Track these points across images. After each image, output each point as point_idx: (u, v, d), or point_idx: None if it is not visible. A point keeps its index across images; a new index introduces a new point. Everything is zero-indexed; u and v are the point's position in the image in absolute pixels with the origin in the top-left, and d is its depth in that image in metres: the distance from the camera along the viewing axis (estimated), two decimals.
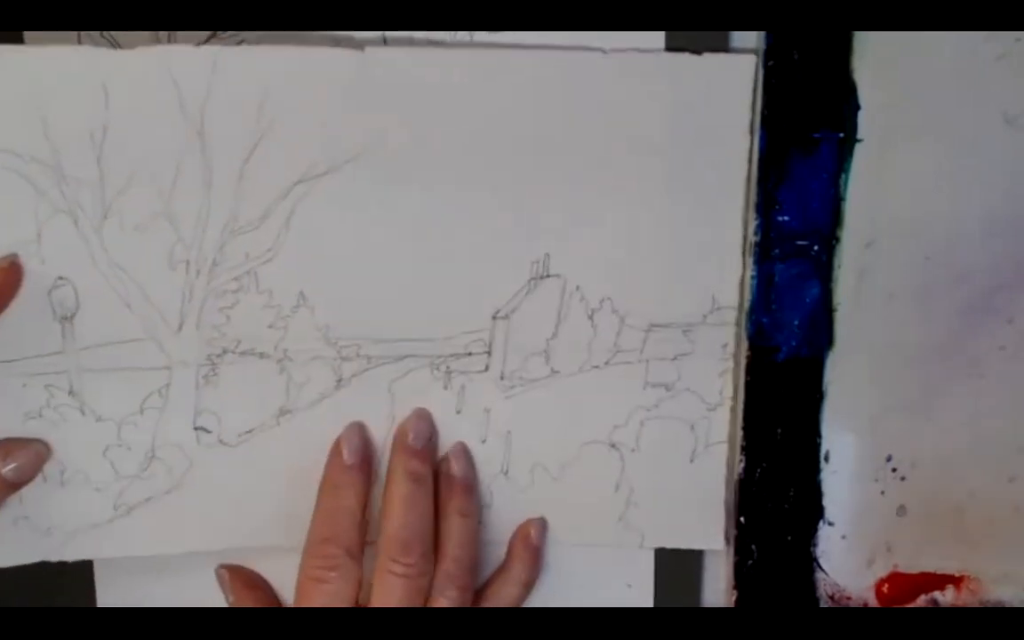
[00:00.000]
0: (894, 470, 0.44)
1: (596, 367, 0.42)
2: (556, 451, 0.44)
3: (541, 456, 0.44)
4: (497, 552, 0.44)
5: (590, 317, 0.42)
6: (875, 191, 0.41)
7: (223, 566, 0.44)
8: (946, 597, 0.46)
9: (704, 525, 0.44)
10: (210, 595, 0.44)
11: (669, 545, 0.45)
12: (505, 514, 0.44)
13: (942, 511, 0.45)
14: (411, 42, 0.40)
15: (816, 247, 0.42)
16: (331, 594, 0.40)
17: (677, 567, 0.45)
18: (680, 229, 0.41)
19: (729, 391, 0.43)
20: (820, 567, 0.45)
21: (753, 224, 0.41)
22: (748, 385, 0.43)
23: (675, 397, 0.43)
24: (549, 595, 0.45)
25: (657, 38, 0.40)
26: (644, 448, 0.43)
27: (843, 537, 0.45)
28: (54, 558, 0.42)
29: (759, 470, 0.44)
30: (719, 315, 0.42)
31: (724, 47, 0.40)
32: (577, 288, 0.42)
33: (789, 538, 0.45)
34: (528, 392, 0.43)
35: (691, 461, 0.43)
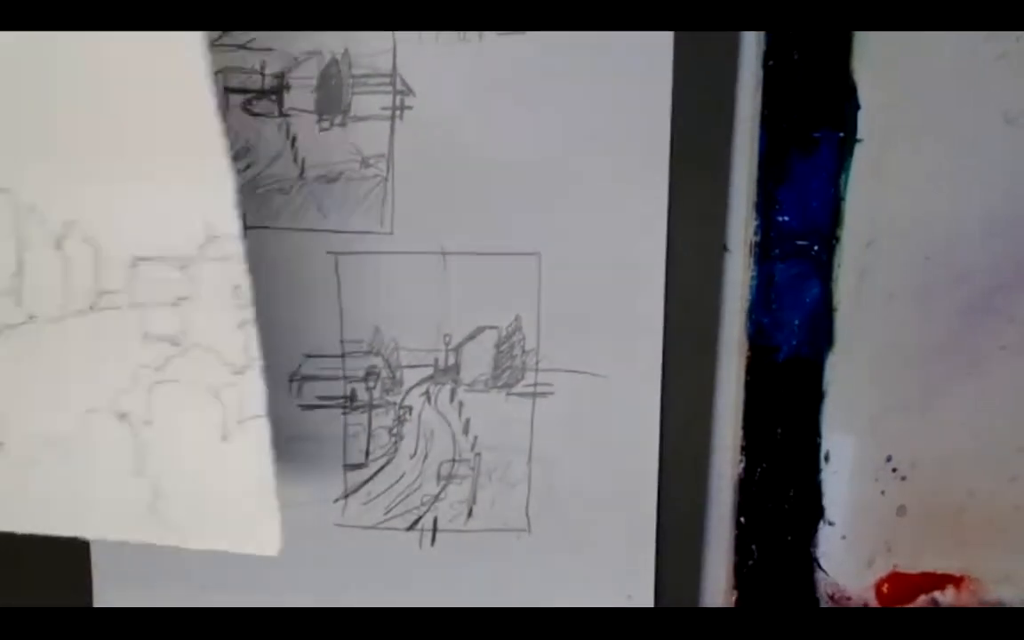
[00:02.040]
0: (894, 470, 0.44)
1: (80, 311, 0.36)
2: (52, 420, 0.36)
3: (38, 423, 0.37)
4: None
5: (57, 246, 0.35)
6: (875, 191, 0.41)
7: None
8: (946, 597, 0.46)
9: (254, 525, 0.37)
10: (210, 596, 0.44)
11: (215, 547, 0.38)
12: None
13: (942, 511, 0.45)
14: (420, 41, 0.40)
15: (816, 247, 0.42)
16: None
17: (677, 567, 0.45)
18: (157, 134, 0.34)
19: (255, 352, 0.36)
20: (820, 567, 0.45)
21: (753, 224, 0.41)
22: (748, 385, 0.43)
23: (185, 354, 0.36)
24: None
25: (666, 37, 0.40)
26: (160, 421, 0.36)
27: (843, 537, 0.45)
28: None
29: (759, 470, 0.44)
30: (219, 247, 0.35)
31: (730, 46, 0.40)
32: (33, 208, 0.35)
33: (789, 538, 0.45)
34: (5, 342, 0.36)
35: (223, 439, 0.36)
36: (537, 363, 0.43)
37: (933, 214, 0.42)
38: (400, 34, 0.40)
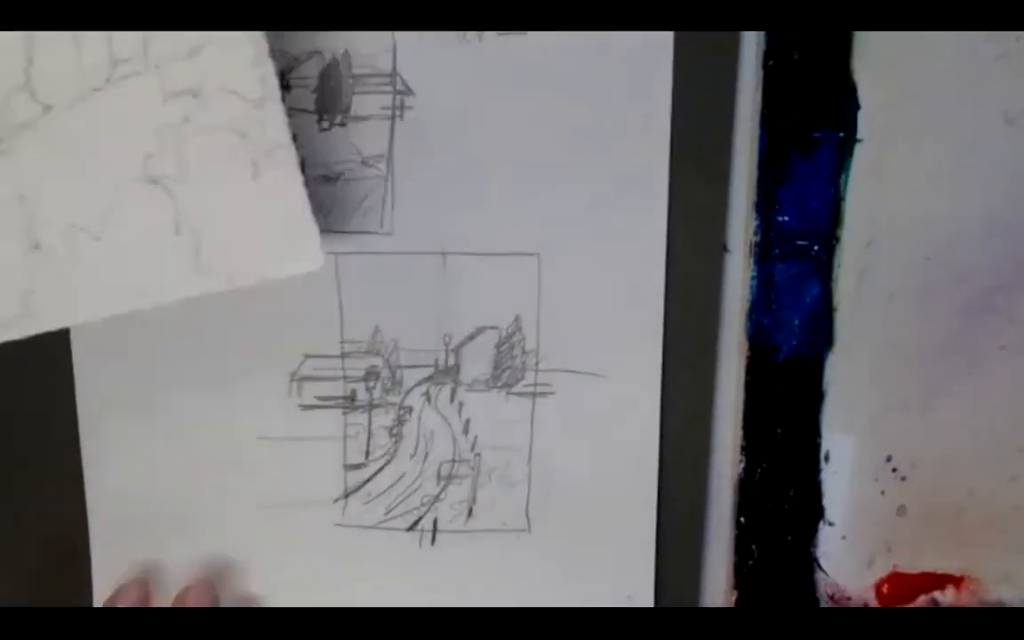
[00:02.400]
0: (894, 470, 0.44)
1: (96, 89, 0.36)
2: (85, 203, 0.37)
3: (71, 213, 0.37)
4: None
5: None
6: (875, 191, 0.41)
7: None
8: (946, 597, 0.46)
9: (294, 245, 0.38)
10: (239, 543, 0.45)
11: (260, 277, 0.38)
12: None
13: (942, 511, 0.45)
14: (420, 41, 0.40)
15: (816, 247, 0.42)
16: None
17: (677, 567, 0.45)
18: None
19: (274, 82, 0.36)
20: (820, 567, 0.45)
21: (753, 224, 0.41)
22: (748, 385, 0.43)
23: (206, 105, 0.36)
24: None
25: (666, 37, 0.40)
26: (192, 175, 0.37)
27: (843, 537, 0.45)
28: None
29: (759, 470, 0.44)
30: None
31: (731, 46, 0.40)
32: None
33: (789, 538, 0.45)
34: (20, 136, 0.36)
35: (254, 177, 0.37)
36: (537, 363, 0.43)
37: (933, 214, 0.42)
38: (400, 34, 0.40)
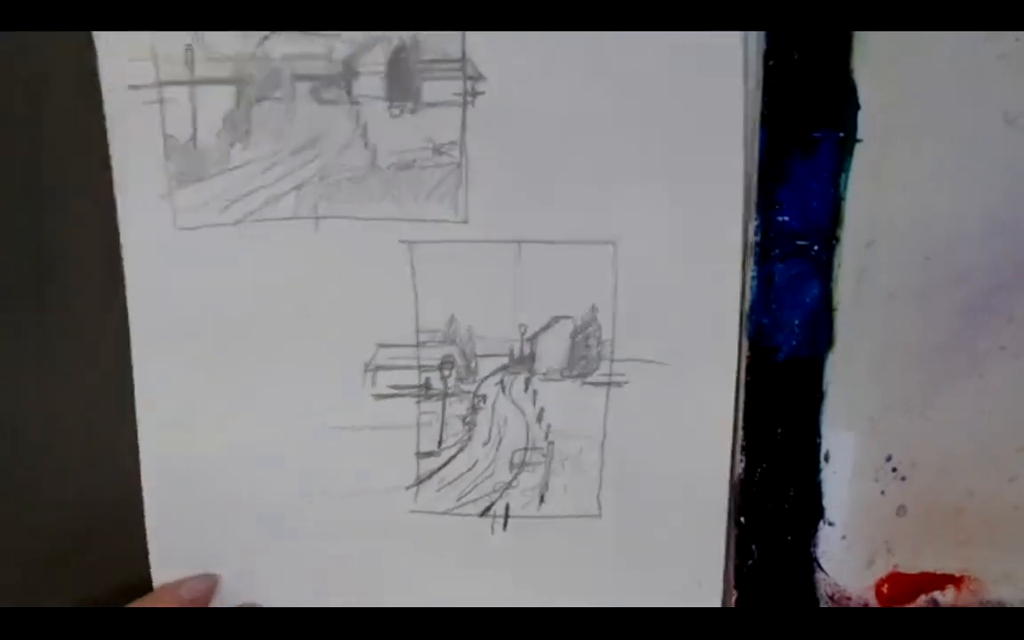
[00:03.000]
0: (894, 470, 0.44)
1: None
2: None
3: None
4: None
5: None
6: (875, 191, 0.41)
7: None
8: (946, 597, 0.46)
9: None
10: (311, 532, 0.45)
11: None
12: None
13: (942, 511, 0.45)
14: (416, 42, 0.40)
15: (816, 247, 0.42)
16: None
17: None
18: None
19: None
20: (820, 567, 0.45)
21: (753, 224, 0.41)
22: (748, 385, 0.43)
23: None
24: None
25: (734, 37, 0.40)
26: None
27: (843, 537, 0.45)
28: None
29: (759, 470, 0.44)
30: None
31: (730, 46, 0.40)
32: None
33: (789, 538, 0.45)
34: None
35: None
36: (612, 353, 0.43)
37: (933, 214, 0.42)
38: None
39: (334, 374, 0.43)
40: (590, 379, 0.43)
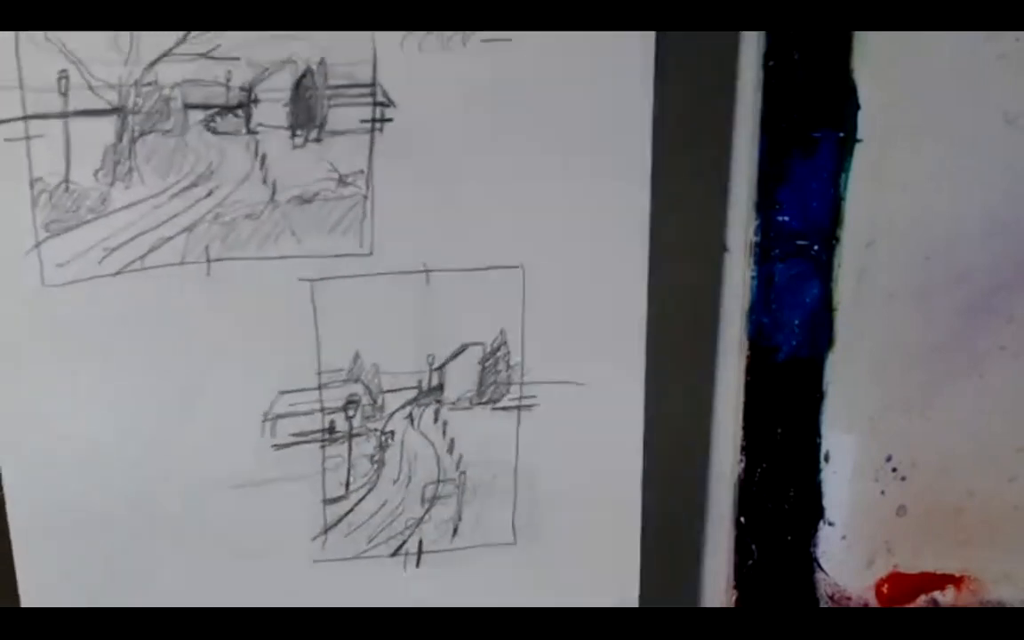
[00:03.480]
0: (894, 470, 0.44)
1: None
2: None
3: None
4: None
5: None
6: (875, 191, 0.41)
7: None
8: (946, 597, 0.46)
9: None
10: (210, 596, 0.44)
11: None
12: None
13: (942, 511, 0.45)
14: (401, 49, 0.39)
15: (816, 247, 0.42)
16: None
17: (678, 567, 0.45)
18: None
19: None
20: (820, 567, 0.45)
21: (753, 224, 0.41)
22: (748, 385, 0.43)
23: None
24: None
25: (647, 38, 0.39)
26: None
27: (843, 537, 0.45)
28: None
29: (759, 470, 0.44)
30: None
31: (729, 46, 0.40)
32: None
33: (789, 538, 0.45)
34: None
35: None
36: (522, 376, 0.42)
37: (933, 214, 0.42)
38: (380, 42, 0.38)
39: (230, 430, 0.41)
40: (500, 404, 0.43)
